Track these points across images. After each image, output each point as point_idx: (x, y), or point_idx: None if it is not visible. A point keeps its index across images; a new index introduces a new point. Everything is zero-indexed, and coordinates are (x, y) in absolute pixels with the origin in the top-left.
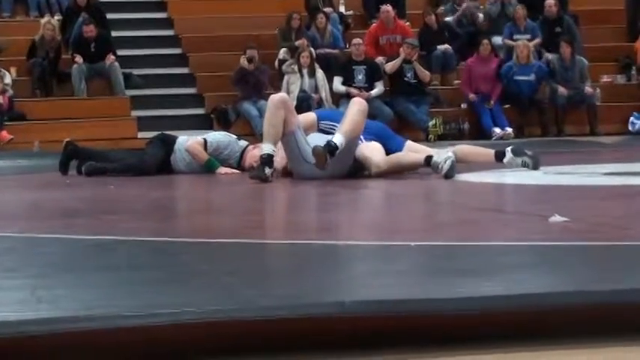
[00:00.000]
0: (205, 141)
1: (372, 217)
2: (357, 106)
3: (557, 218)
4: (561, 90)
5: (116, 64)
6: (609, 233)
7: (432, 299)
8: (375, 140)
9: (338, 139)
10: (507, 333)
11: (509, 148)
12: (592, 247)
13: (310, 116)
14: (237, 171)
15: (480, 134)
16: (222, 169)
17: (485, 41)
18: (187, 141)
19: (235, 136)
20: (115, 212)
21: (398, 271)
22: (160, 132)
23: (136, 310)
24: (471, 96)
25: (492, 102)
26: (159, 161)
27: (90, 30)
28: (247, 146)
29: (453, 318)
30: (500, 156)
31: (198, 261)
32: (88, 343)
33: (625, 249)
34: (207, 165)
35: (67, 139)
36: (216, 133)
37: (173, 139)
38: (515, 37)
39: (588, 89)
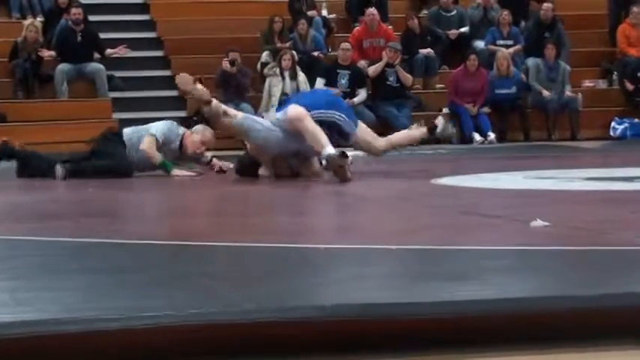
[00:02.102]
0: (156, 138)
1: (353, 221)
2: (306, 124)
3: (538, 223)
4: (546, 93)
5: (101, 66)
6: (590, 238)
7: (414, 303)
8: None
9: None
10: (488, 337)
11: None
12: (573, 252)
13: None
14: (192, 173)
15: (462, 138)
16: (176, 171)
17: (473, 56)
18: (140, 139)
19: (174, 122)
20: (95, 214)
21: (379, 275)
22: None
23: (116, 313)
24: (467, 105)
25: (476, 109)
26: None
27: (78, 13)
28: (184, 133)
29: (434, 322)
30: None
31: (178, 264)
32: (68, 346)
33: (606, 254)
34: (161, 167)
35: (4, 139)
36: (160, 124)
37: (121, 134)
38: (498, 42)
39: (569, 94)
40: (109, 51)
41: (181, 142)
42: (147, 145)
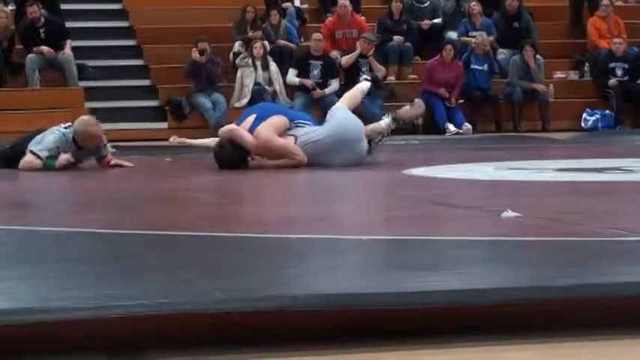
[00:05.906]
0: (39, 155)
1: (324, 211)
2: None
3: (509, 213)
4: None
5: (70, 54)
6: (561, 229)
7: (384, 293)
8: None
9: None
10: (458, 328)
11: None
12: (544, 243)
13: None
14: (68, 156)
15: (434, 129)
16: (58, 162)
17: (449, 46)
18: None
19: (61, 125)
20: (67, 204)
21: (350, 266)
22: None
23: (88, 303)
24: (441, 90)
25: (453, 100)
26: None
27: (33, 11)
28: (74, 138)
29: (404, 312)
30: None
31: (151, 254)
32: (40, 335)
33: (577, 245)
34: (46, 168)
35: None
36: (46, 136)
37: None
38: (470, 33)
39: (540, 85)
40: None
41: (77, 144)
42: (27, 163)
